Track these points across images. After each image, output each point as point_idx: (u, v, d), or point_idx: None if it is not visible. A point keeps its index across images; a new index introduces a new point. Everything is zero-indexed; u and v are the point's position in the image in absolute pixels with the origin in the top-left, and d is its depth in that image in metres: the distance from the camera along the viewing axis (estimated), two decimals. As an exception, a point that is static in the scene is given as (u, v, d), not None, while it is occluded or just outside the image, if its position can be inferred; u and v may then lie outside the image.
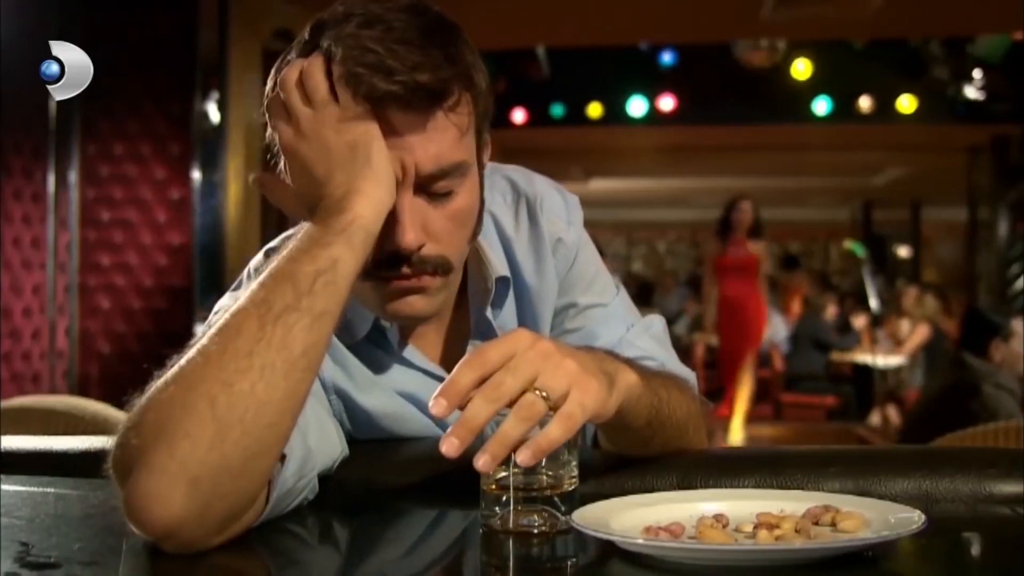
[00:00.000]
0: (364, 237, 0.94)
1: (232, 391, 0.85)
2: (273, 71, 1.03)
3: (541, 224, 1.20)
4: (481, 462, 0.83)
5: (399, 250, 1.01)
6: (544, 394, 0.84)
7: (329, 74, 0.97)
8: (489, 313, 1.15)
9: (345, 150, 0.96)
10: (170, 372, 0.88)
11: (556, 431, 0.84)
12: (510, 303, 1.18)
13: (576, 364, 0.87)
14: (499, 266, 1.15)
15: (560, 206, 1.22)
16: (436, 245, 1.04)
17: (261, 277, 0.92)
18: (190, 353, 0.88)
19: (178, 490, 0.82)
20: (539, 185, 1.23)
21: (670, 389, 1.05)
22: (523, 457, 0.83)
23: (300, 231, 0.96)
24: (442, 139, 1.00)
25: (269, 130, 1.03)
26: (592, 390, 0.87)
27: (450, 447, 0.83)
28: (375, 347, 1.14)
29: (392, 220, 0.99)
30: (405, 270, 1.03)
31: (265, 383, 0.86)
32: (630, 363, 0.98)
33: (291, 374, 0.87)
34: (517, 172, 1.23)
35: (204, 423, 0.84)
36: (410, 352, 1.15)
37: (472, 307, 1.15)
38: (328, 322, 0.91)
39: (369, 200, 0.95)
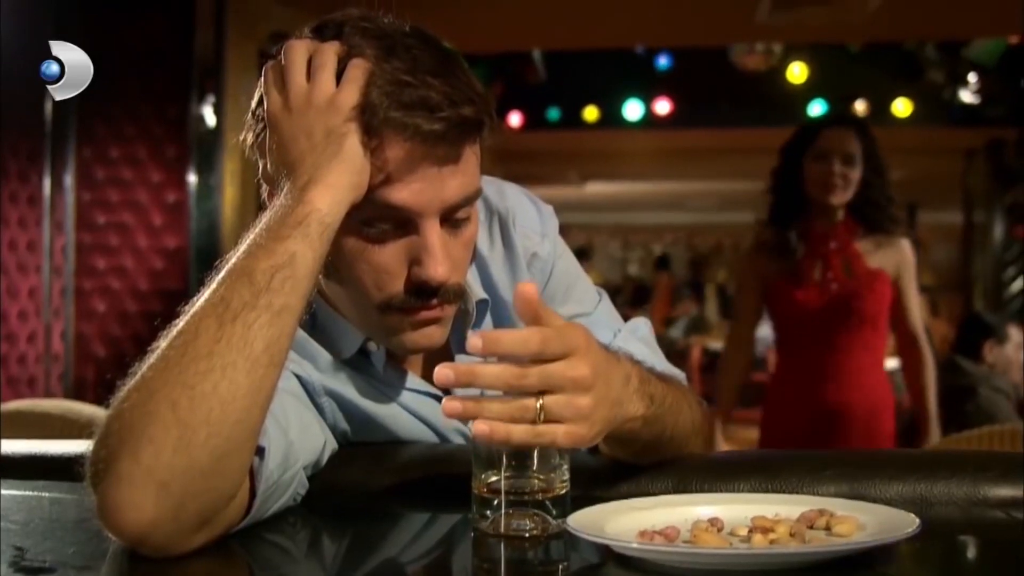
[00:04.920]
0: (321, 231, 0.92)
1: (194, 393, 0.84)
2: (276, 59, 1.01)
3: (515, 240, 1.19)
4: (449, 406, 0.84)
5: (430, 282, 1.00)
6: (540, 407, 0.84)
7: (340, 71, 0.96)
8: (470, 333, 1.14)
9: (321, 135, 0.95)
10: (133, 379, 0.87)
11: (517, 436, 0.84)
12: (487, 321, 1.17)
13: (589, 407, 0.86)
14: (478, 290, 1.15)
15: (534, 219, 1.22)
16: (456, 274, 1.04)
17: (219, 275, 0.90)
18: (151, 359, 0.87)
19: (148, 496, 0.82)
20: (511, 199, 1.21)
21: (680, 411, 1.05)
22: (476, 428, 0.84)
23: (258, 221, 0.94)
24: (466, 169, 1.01)
25: (258, 94, 1.02)
26: (574, 436, 0.86)
27: (445, 378, 0.84)
28: (361, 367, 1.13)
29: (420, 252, 0.99)
30: (434, 301, 1.03)
31: (228, 382, 0.84)
32: (652, 398, 0.97)
33: (254, 371, 0.86)
34: (487, 185, 1.20)
35: (167, 427, 0.83)
36: (397, 372, 1.14)
37: (454, 329, 1.13)
38: (289, 316, 0.89)
39: (330, 191, 0.93)
